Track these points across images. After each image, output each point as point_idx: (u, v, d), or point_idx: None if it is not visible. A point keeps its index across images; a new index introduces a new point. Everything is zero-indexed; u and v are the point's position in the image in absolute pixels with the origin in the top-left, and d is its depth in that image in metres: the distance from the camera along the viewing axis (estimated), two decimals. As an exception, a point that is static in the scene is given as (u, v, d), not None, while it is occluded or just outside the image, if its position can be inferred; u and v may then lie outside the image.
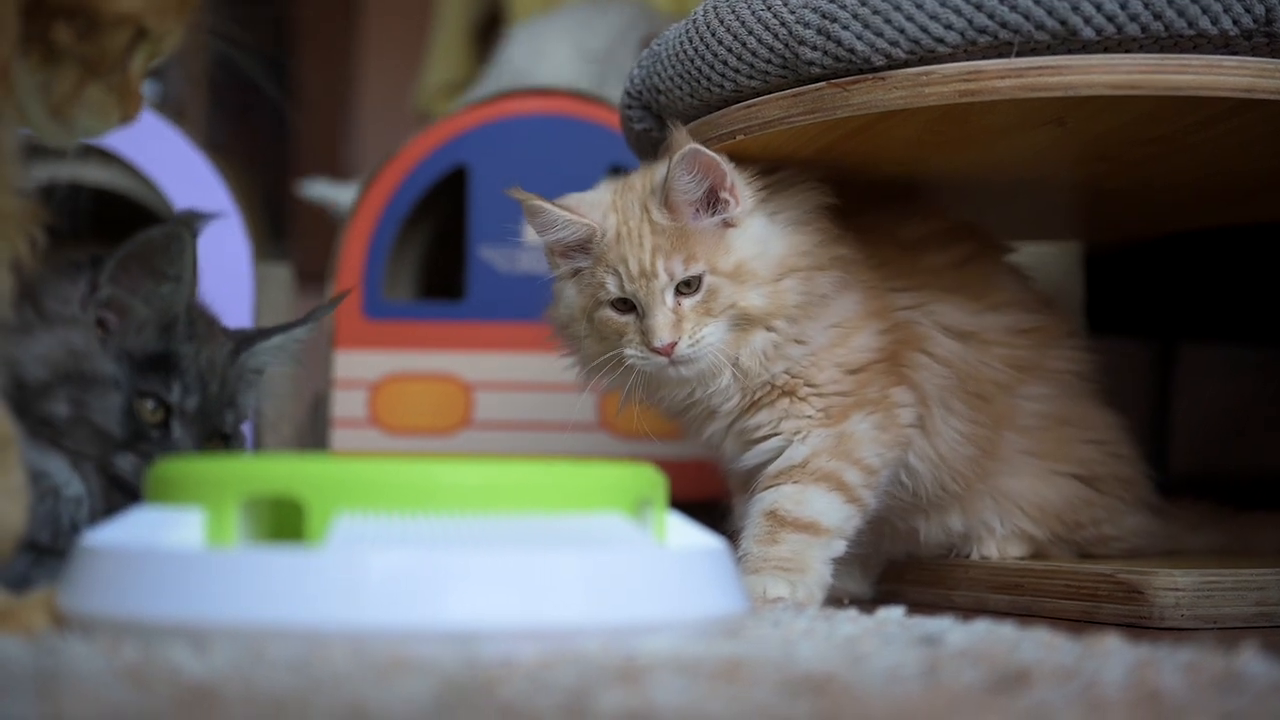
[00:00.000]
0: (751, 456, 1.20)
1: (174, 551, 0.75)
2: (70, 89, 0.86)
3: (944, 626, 0.88)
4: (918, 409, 1.21)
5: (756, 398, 1.18)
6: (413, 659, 0.68)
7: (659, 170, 1.14)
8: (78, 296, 1.04)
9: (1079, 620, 1.13)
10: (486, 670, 0.66)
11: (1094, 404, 1.33)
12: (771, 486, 1.18)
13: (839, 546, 1.17)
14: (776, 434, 1.19)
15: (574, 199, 1.20)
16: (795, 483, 1.17)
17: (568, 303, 1.20)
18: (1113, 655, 0.76)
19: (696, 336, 1.12)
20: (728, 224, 1.14)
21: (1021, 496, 1.27)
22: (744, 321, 1.14)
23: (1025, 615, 1.15)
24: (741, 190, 1.14)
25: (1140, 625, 1.08)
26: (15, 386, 1.00)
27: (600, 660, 0.70)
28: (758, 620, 0.92)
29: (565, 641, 0.73)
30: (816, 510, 1.16)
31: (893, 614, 0.97)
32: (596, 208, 1.17)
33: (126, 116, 0.90)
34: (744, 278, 1.13)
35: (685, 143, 1.12)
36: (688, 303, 1.13)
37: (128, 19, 0.85)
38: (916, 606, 1.06)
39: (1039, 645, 0.80)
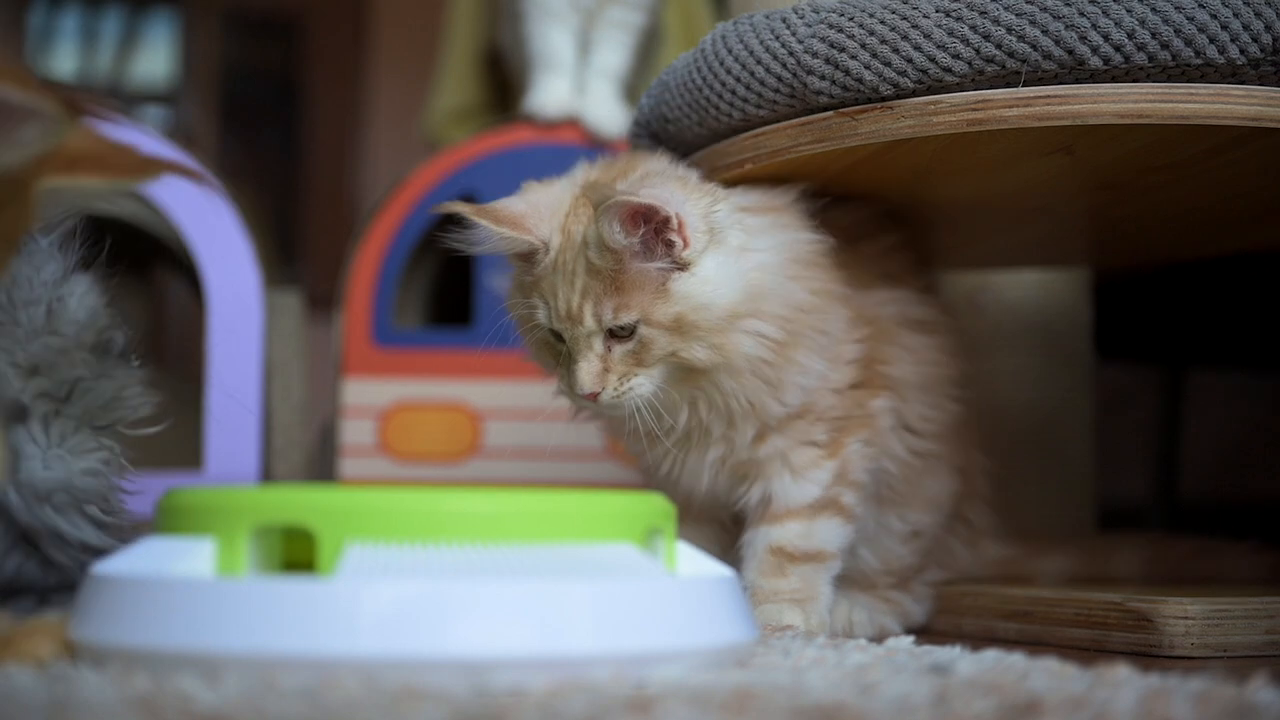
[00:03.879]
0: (752, 494, 1.16)
1: (185, 581, 0.76)
2: None
3: (953, 655, 0.88)
4: (895, 408, 1.19)
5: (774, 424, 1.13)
6: (423, 688, 0.68)
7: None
8: None
9: (1088, 648, 1.12)
10: (497, 700, 0.66)
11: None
12: (776, 523, 1.15)
13: (838, 565, 1.18)
14: (782, 468, 1.15)
15: (531, 197, 1.11)
16: (801, 520, 1.15)
17: (511, 304, 1.14)
18: (1123, 685, 0.75)
19: (624, 388, 1.06)
20: (677, 266, 1.05)
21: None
22: (689, 370, 1.07)
23: (1034, 644, 1.15)
24: (693, 229, 1.04)
25: (1150, 654, 1.08)
26: None
27: (610, 690, 0.70)
28: (767, 649, 0.92)
29: (575, 671, 0.73)
30: (822, 540, 1.16)
31: (902, 642, 0.97)
32: (548, 216, 1.08)
33: None
34: (684, 330, 1.04)
35: (610, 195, 1.01)
36: (619, 349, 1.06)
37: None
38: (925, 634, 1.06)
39: (1049, 674, 0.80)
